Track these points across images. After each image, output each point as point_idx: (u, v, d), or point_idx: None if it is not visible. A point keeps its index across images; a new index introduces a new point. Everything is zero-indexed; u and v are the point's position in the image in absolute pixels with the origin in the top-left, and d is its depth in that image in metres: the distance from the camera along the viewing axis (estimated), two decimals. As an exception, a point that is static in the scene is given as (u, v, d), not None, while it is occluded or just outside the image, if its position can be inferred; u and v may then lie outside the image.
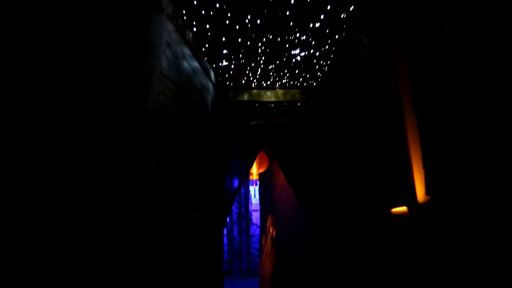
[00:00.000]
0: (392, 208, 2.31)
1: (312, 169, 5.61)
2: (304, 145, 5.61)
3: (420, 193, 2.25)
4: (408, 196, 2.30)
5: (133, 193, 2.25)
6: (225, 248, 9.86)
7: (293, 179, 5.86)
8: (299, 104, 5.62)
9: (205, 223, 5.00)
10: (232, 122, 5.56)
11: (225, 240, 9.85)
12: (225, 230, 9.86)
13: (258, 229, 9.76)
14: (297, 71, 4.89)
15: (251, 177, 7.19)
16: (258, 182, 9.42)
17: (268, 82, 5.34)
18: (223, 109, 5.28)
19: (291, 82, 5.40)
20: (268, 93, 5.48)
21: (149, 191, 2.53)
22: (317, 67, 4.70)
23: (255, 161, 7.00)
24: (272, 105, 5.69)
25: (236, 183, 5.82)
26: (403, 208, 2.26)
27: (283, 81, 5.25)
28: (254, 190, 11.53)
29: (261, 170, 7.16)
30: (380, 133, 2.94)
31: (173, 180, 3.10)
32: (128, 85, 2.31)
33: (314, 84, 5.42)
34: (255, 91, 5.44)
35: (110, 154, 2.07)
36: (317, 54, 4.18)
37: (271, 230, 7.70)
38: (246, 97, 5.49)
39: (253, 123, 5.64)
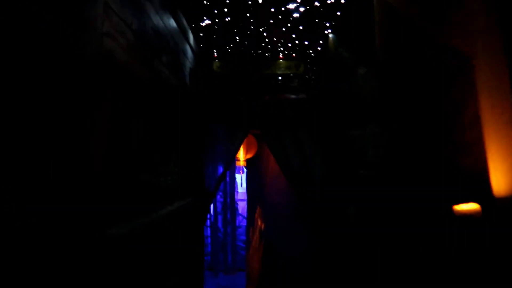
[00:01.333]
0: (454, 204, 1.53)
1: (315, 154, 4.81)
2: (307, 126, 4.79)
3: (500, 186, 1.46)
4: (479, 189, 1.51)
5: (66, 187, 1.39)
6: (208, 240, 9.06)
7: (287, 166, 5.06)
8: (307, 76, 4.77)
9: (183, 216, 4.16)
10: (216, 97, 4.69)
11: (208, 231, 9.04)
12: (208, 221, 9.05)
13: (245, 220, 8.98)
14: (298, 39, 4.00)
15: (237, 163, 6.37)
16: (245, 169, 8.59)
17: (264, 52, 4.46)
18: (204, 81, 4.41)
19: (290, 53, 4.54)
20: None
21: (91, 180, 1.66)
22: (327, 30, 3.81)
23: (241, 145, 6.16)
24: (270, 79, 4.82)
25: (220, 169, 4.99)
26: (473, 206, 1.48)
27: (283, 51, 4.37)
28: (240, 178, 10.69)
29: (249, 156, 6.34)
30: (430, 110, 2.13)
31: (130, 163, 2.25)
32: (58, 23, 1.42)
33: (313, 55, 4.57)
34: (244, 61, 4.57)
35: (30, 120, 1.20)
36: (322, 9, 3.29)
37: (259, 223, 6.93)
38: (233, 69, 4.62)
39: (241, 99, 4.78)
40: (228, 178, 8.43)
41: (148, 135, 2.77)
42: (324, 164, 4.81)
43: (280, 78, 4.82)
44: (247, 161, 6.59)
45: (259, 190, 6.89)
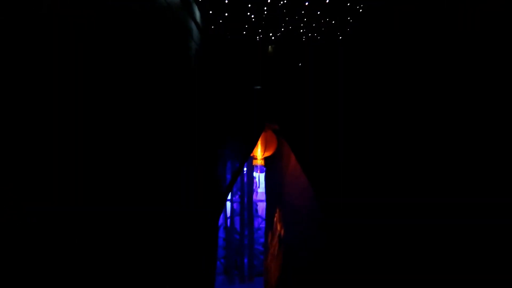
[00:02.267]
0: None
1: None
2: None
3: None
4: None
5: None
6: (222, 242, 8.48)
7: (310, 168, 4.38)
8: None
9: (189, 216, 3.61)
10: (226, 84, 4.08)
11: (222, 232, 8.46)
12: (223, 222, 8.47)
13: (264, 222, 8.35)
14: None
15: (254, 162, 5.75)
16: (263, 169, 7.96)
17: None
18: (212, 65, 3.81)
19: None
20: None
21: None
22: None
23: (258, 142, 5.52)
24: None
25: (233, 169, 4.38)
26: None
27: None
28: (258, 177, 10.07)
29: (268, 154, 5.70)
30: None
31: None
32: None
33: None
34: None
35: None
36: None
37: (278, 228, 6.29)
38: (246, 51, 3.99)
39: (257, 87, 4.14)
40: (245, 178, 7.83)
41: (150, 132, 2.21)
42: (361, 169, 4.10)
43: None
44: (266, 159, 5.95)
45: (279, 192, 6.24)
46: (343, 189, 4.34)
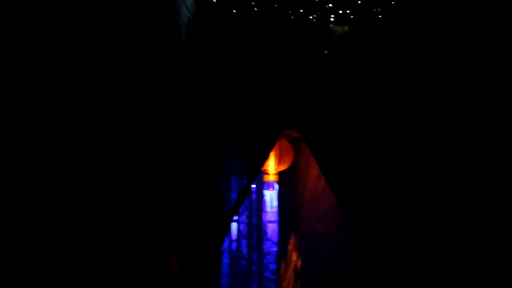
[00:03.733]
0: None
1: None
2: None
3: None
4: None
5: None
6: (226, 269, 7.36)
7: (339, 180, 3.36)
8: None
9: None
10: (230, 73, 3.11)
11: (226, 257, 7.34)
12: (225, 243, 7.35)
13: (275, 246, 7.22)
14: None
15: (266, 178, 4.72)
16: (275, 185, 6.91)
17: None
18: (213, 43, 2.85)
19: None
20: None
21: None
22: None
23: (271, 152, 4.50)
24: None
25: (239, 187, 3.37)
26: None
27: None
28: (270, 195, 8.96)
29: (282, 168, 4.67)
30: None
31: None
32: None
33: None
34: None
35: None
36: None
37: (293, 257, 5.19)
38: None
39: (272, 78, 3.12)
40: (254, 195, 6.76)
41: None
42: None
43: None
44: (280, 174, 4.91)
45: (294, 214, 5.18)
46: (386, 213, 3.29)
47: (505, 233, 2.42)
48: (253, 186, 6.77)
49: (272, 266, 8.26)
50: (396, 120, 3.26)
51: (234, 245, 7.58)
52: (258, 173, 3.41)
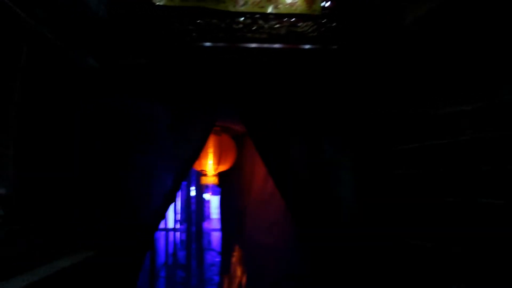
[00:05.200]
0: None
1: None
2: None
3: None
4: None
5: None
6: (162, 284, 6.41)
7: (290, 186, 2.68)
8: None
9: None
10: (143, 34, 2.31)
11: (163, 272, 6.39)
12: (163, 255, 6.40)
13: (219, 256, 6.43)
14: None
15: (203, 180, 3.93)
16: (217, 190, 6.13)
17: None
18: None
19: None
20: None
21: None
22: None
23: (209, 150, 3.73)
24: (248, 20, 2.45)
25: (163, 188, 2.56)
26: None
27: None
28: (216, 201, 8.17)
29: (223, 168, 3.92)
30: None
31: None
32: None
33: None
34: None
35: None
36: None
37: (238, 273, 4.46)
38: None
39: (203, 57, 2.36)
40: (194, 200, 5.90)
41: None
42: (369, 185, 2.49)
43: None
44: (221, 176, 4.16)
45: (238, 223, 4.44)
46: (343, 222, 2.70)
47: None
48: (194, 190, 5.93)
49: (217, 279, 7.46)
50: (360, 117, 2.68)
51: (170, 259, 6.66)
52: (187, 173, 2.64)
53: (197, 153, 2.72)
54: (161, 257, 6.78)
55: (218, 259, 7.30)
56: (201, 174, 3.89)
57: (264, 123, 2.75)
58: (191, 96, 2.74)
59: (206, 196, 7.94)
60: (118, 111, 2.45)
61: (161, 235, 6.78)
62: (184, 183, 6.70)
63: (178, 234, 6.96)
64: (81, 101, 2.27)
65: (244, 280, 4.26)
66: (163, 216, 2.57)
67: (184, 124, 2.72)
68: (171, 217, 6.93)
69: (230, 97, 2.78)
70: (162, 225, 6.89)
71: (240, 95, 2.72)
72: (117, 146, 2.42)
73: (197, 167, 3.82)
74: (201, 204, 5.79)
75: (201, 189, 5.77)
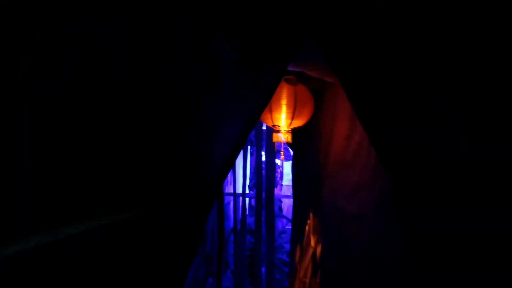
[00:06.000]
0: None
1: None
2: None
3: None
4: None
5: None
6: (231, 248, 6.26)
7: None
8: None
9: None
10: None
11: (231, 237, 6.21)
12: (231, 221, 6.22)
13: (290, 223, 6.03)
14: None
15: (275, 138, 3.48)
16: (289, 155, 5.65)
17: None
18: None
19: None
20: None
21: None
22: None
23: (282, 100, 3.23)
24: None
25: (227, 141, 2.14)
26: None
27: None
28: (282, 164, 7.74)
29: (298, 123, 3.40)
30: None
31: None
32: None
33: None
34: None
35: None
36: None
37: (312, 243, 4.02)
38: None
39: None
40: (264, 165, 5.52)
41: None
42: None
43: None
44: (295, 135, 3.65)
45: (313, 188, 3.95)
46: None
47: None
48: (263, 154, 5.54)
49: (288, 247, 7.15)
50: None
51: (238, 225, 6.46)
52: (254, 122, 2.18)
53: (267, 97, 2.23)
54: (230, 222, 6.64)
55: (289, 226, 6.96)
56: (272, 129, 3.43)
57: (363, 71, 2.14)
58: (263, 31, 2.23)
59: (278, 161, 7.55)
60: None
61: (230, 200, 6.61)
62: (253, 148, 6.33)
63: (247, 199, 6.72)
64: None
65: (318, 251, 3.80)
66: (226, 172, 2.18)
67: (254, 64, 2.24)
68: (241, 182, 6.73)
69: (311, 30, 2.21)
70: (230, 190, 6.68)
71: (325, 27, 2.13)
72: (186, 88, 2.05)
73: (268, 122, 3.36)
74: (272, 169, 5.39)
75: (272, 154, 5.35)
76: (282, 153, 4.23)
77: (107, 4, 1.89)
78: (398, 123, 2.07)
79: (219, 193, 2.41)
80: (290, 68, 2.96)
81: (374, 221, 2.88)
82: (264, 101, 2.20)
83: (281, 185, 7.62)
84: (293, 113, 3.19)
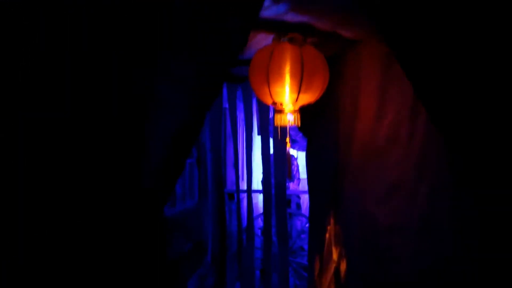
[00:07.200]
0: None
1: None
2: None
3: None
4: None
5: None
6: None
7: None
8: None
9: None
10: None
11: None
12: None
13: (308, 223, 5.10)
14: None
15: (279, 120, 2.57)
16: (303, 143, 4.66)
17: None
18: None
19: None
20: None
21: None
22: None
23: (285, 67, 2.32)
24: None
25: (167, 126, 1.25)
26: None
27: None
28: (297, 155, 6.77)
29: (307, 99, 2.48)
30: None
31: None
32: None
33: None
34: None
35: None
36: None
37: (334, 256, 3.12)
38: None
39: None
40: (273, 157, 4.59)
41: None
42: None
43: None
44: (304, 114, 2.71)
45: (333, 182, 3.03)
46: None
47: None
48: (271, 142, 4.63)
49: (304, 254, 6.26)
50: None
51: (256, 222, 5.65)
52: (216, 92, 1.30)
53: (236, 49, 1.34)
54: (244, 220, 5.85)
55: (308, 225, 6.08)
56: (274, 110, 2.53)
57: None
58: None
59: (294, 152, 6.63)
60: None
61: (243, 197, 5.83)
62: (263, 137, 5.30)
63: (261, 196, 5.87)
64: None
65: (343, 268, 2.90)
66: (175, 175, 1.33)
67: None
68: (256, 177, 5.91)
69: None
70: (244, 187, 5.89)
71: None
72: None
73: (267, 99, 2.46)
74: (283, 160, 4.46)
75: (282, 143, 4.43)
76: (288, 140, 3.30)
77: None
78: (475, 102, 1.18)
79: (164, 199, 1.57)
80: (290, 18, 2.06)
81: (421, 236, 1.96)
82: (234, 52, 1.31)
83: (299, 179, 6.70)
84: (300, 85, 2.27)
